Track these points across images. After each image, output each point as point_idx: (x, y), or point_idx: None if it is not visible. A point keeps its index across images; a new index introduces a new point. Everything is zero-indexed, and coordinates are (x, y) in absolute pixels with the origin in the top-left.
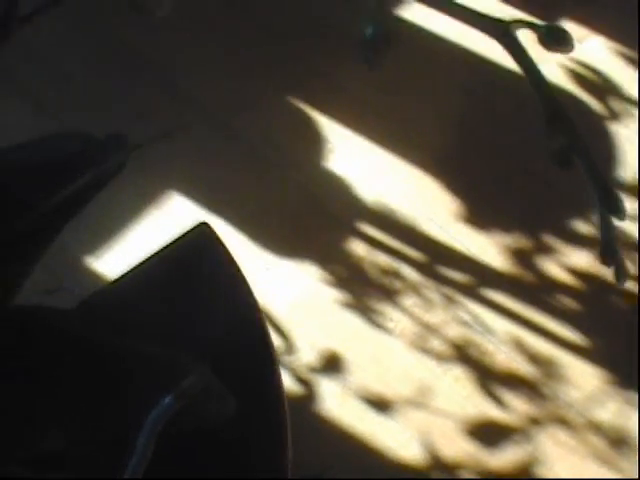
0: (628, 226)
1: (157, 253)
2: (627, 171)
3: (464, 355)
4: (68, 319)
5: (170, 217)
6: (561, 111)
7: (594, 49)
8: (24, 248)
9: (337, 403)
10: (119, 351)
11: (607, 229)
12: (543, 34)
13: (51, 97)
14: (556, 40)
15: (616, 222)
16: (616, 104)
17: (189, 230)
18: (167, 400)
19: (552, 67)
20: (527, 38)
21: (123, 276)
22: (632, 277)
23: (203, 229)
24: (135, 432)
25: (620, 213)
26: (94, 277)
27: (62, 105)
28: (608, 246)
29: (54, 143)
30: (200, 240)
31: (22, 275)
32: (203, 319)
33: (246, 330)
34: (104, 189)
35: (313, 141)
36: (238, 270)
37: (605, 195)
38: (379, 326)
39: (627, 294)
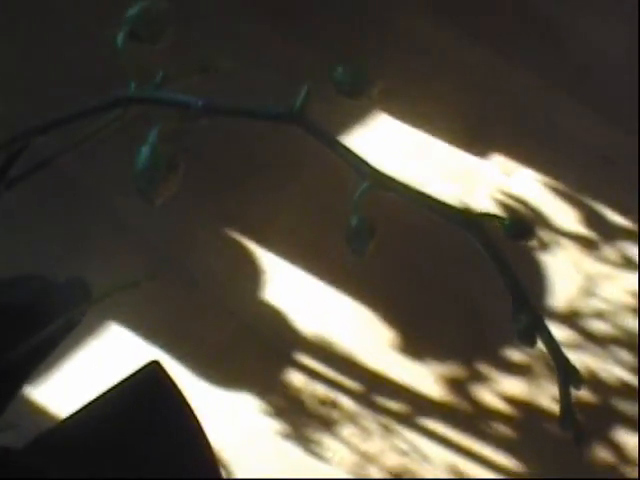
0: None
1: (108, 391)
2: (557, 300)
3: None
4: (26, 458)
5: (111, 349)
6: (526, 295)
7: (523, 182)
8: None
9: None
10: None
11: (566, 399)
12: (507, 227)
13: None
14: (519, 233)
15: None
16: (545, 234)
17: (140, 368)
18: None
19: (482, 199)
20: None
21: (74, 414)
22: None
23: (154, 367)
24: None
25: (578, 384)
26: (36, 410)
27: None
28: (567, 414)
29: (10, 288)
30: (151, 378)
31: None
32: (155, 458)
33: (198, 470)
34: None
35: (250, 272)
36: (190, 409)
37: (565, 369)
38: (318, 456)
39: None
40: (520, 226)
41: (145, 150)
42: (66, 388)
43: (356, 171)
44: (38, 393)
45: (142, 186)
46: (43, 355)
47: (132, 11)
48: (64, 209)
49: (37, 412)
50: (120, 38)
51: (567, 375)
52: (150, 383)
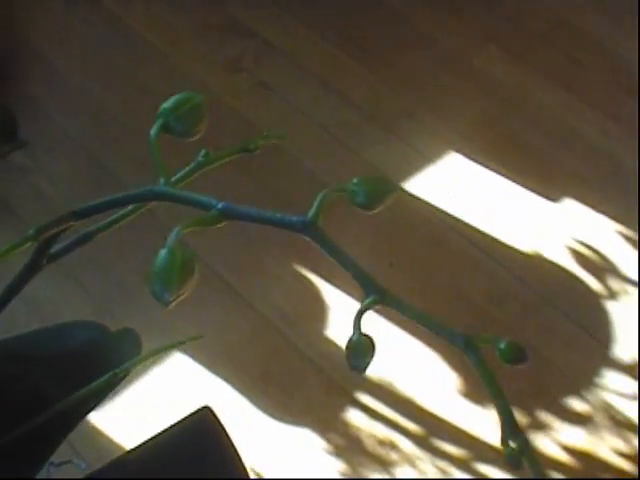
0: (628, 406)
1: (158, 435)
2: (623, 350)
3: None
4: None
5: (175, 379)
6: (515, 422)
7: (594, 228)
8: (34, 447)
9: None
10: None
11: None
12: (502, 351)
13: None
14: (513, 357)
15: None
16: (614, 283)
17: (191, 413)
18: None
19: (554, 245)
20: None
21: (121, 458)
22: (626, 456)
23: (205, 413)
24: None
25: None
26: (93, 430)
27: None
28: None
29: (66, 333)
30: (202, 425)
31: (31, 473)
32: None
33: None
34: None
35: (317, 309)
36: (238, 457)
37: None
38: None
39: (621, 473)
40: (515, 351)
41: (163, 253)
42: (130, 415)
43: (361, 286)
44: (101, 418)
45: (155, 287)
46: (91, 406)
47: (166, 105)
48: (143, 244)
49: (100, 437)
50: (153, 131)
51: None
52: (200, 429)
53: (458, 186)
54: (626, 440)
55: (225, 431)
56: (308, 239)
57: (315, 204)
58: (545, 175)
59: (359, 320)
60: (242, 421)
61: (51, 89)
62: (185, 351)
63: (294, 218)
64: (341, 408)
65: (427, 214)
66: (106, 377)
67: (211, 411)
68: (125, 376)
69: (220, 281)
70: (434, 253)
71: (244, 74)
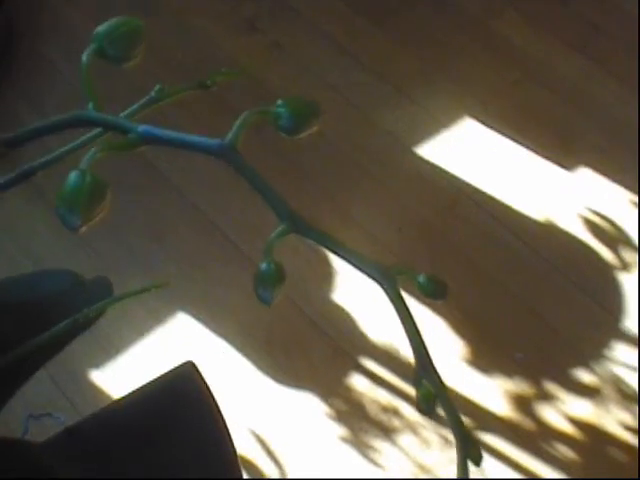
0: (636, 379)
1: (140, 389)
2: (634, 323)
3: None
4: (42, 455)
5: (178, 336)
6: (430, 361)
7: (610, 197)
8: None
9: None
10: None
11: (464, 471)
12: (420, 284)
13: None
14: (432, 291)
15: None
16: (627, 254)
17: (174, 368)
18: None
19: (571, 215)
20: None
21: (104, 410)
22: (632, 429)
23: (188, 368)
24: None
25: (477, 460)
26: (93, 388)
27: None
28: None
29: (39, 281)
30: (183, 380)
31: None
32: (178, 461)
33: (219, 470)
34: (117, 304)
35: (322, 273)
36: (218, 410)
37: (464, 443)
38: (375, 463)
39: (626, 447)
40: (434, 285)
41: (73, 175)
42: (132, 374)
43: (275, 212)
44: (103, 376)
45: (62, 211)
46: (54, 351)
47: (100, 28)
48: (150, 204)
49: (101, 395)
50: (84, 56)
51: (466, 449)
52: (181, 385)
53: (472, 152)
54: (633, 412)
55: (206, 383)
56: (313, 195)
57: (234, 127)
58: (561, 143)
59: (271, 248)
60: (244, 383)
61: (63, 46)
62: (189, 311)
63: (212, 141)
64: (345, 373)
65: (439, 179)
66: (65, 323)
67: (194, 366)
68: (89, 323)
69: (226, 241)
70: (444, 219)
71: (258, 34)
